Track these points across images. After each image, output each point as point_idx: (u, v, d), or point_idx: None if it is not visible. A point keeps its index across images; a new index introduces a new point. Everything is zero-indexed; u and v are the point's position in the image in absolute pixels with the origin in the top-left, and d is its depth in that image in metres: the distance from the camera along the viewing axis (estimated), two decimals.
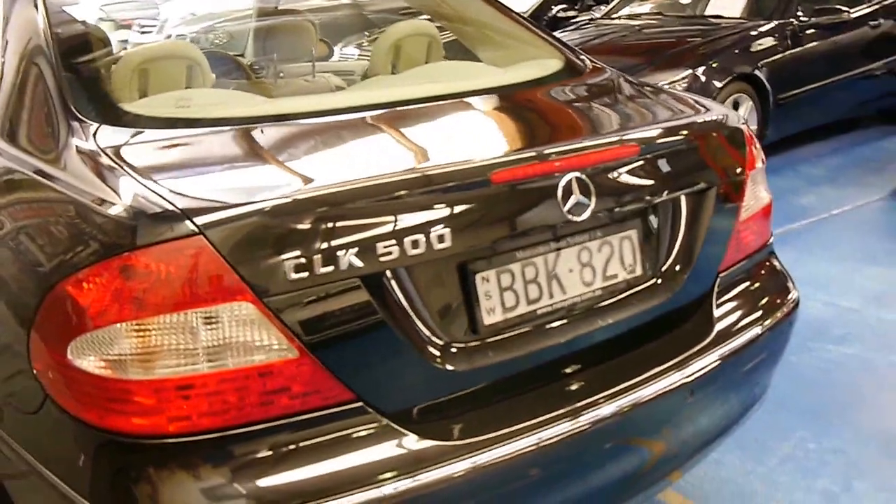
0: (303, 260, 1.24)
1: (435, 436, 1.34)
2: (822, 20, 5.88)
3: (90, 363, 1.24)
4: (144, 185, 1.32)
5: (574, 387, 1.50)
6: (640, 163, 1.60)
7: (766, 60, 5.48)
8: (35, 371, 1.34)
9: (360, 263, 1.28)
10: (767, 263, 1.92)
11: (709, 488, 2.30)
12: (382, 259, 1.29)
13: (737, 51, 5.45)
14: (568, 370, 1.53)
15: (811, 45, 5.81)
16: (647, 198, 1.61)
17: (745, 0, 5.94)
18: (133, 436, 1.25)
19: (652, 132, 1.71)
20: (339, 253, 1.26)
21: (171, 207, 1.25)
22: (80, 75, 1.70)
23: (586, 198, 1.47)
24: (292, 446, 1.28)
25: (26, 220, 1.49)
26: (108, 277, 1.23)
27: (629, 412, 1.49)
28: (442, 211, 1.36)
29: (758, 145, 1.87)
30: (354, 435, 1.31)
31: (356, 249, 1.27)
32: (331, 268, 1.26)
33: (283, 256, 1.24)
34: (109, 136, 1.51)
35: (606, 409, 1.47)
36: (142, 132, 1.55)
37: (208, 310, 1.23)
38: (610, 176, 1.54)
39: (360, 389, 1.31)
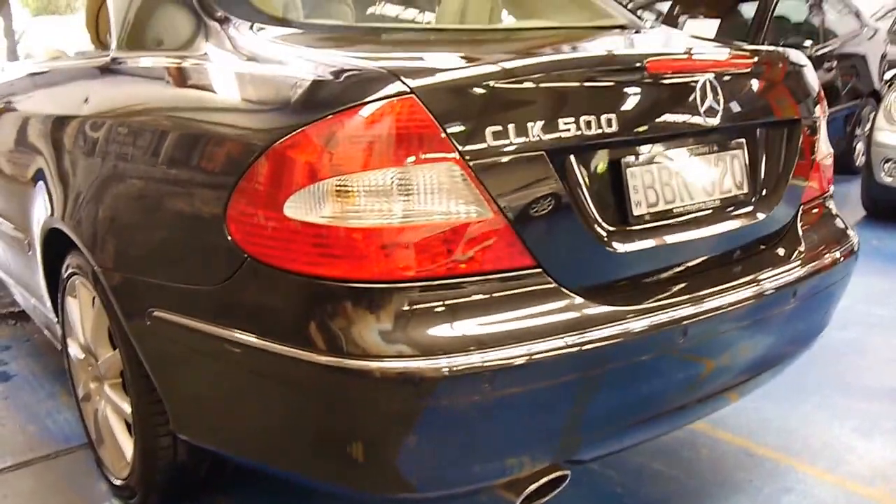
0: (500, 127, 1.35)
1: (597, 302, 1.46)
2: None
3: (307, 215, 1.31)
4: (349, 57, 1.43)
5: (699, 279, 1.65)
6: (751, 81, 1.79)
7: None
8: (231, 238, 1.39)
9: (545, 136, 1.40)
10: (831, 207, 2.16)
11: (754, 426, 2.51)
12: (562, 136, 1.42)
13: None
14: (694, 265, 1.69)
15: None
16: (754, 117, 1.80)
17: (717, 30, 6.37)
18: (337, 280, 1.31)
19: (750, 59, 1.85)
20: (529, 124, 1.38)
21: (382, 70, 1.34)
22: None
23: (716, 103, 1.66)
24: (478, 298, 1.36)
25: (217, 102, 1.56)
26: (325, 136, 1.30)
27: (745, 303, 1.64)
28: (605, 98, 1.51)
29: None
30: (532, 296, 1.41)
31: (542, 123, 1.40)
32: (523, 138, 1.37)
33: (484, 122, 1.34)
34: (276, 32, 1.64)
35: (726, 299, 1.62)
36: (295, 29, 1.69)
37: (416, 168, 1.31)
38: (731, 85, 1.71)
39: (540, 256, 1.42)
